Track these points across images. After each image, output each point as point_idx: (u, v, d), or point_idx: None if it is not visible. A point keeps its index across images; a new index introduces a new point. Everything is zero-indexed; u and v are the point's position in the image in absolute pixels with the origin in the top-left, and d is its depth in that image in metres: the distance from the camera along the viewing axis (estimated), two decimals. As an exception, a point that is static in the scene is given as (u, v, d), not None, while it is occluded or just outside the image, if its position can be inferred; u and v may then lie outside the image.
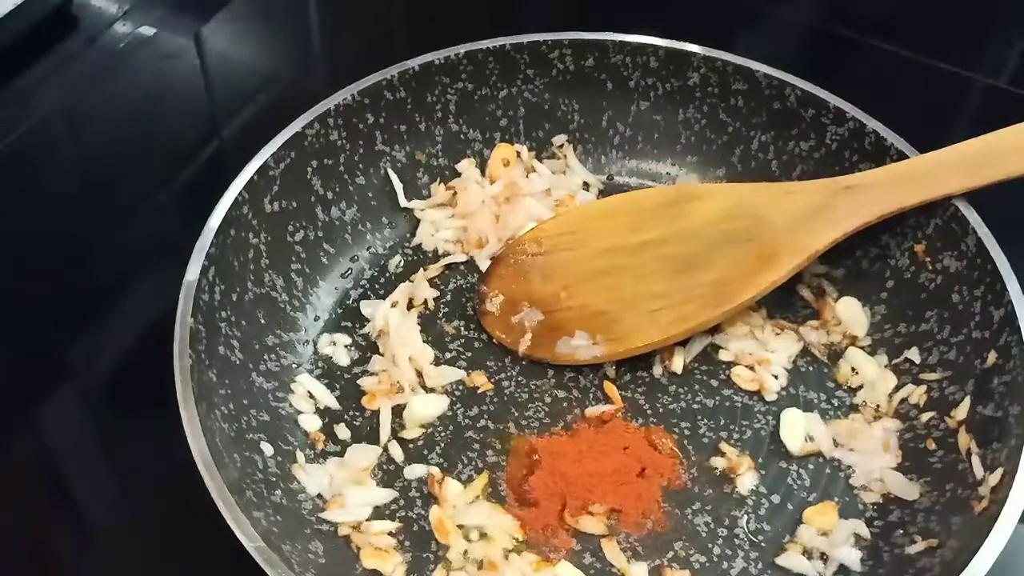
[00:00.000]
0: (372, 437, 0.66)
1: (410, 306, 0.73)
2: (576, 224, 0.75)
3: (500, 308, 0.72)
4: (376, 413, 0.67)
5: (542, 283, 0.72)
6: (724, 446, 0.65)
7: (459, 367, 0.70)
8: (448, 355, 0.71)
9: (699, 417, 0.67)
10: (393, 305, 0.72)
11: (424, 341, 0.71)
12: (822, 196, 0.69)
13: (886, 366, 0.69)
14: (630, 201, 0.76)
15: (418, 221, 0.78)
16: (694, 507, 0.63)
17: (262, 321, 0.67)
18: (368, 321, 0.72)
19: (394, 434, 0.66)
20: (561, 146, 0.82)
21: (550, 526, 0.61)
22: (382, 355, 0.69)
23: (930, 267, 0.69)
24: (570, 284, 0.72)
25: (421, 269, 0.75)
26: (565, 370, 0.70)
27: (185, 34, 0.99)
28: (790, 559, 0.60)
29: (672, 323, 0.68)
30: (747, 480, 0.64)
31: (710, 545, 0.61)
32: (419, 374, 0.69)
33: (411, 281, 0.74)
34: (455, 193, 0.78)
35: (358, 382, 0.68)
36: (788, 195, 0.70)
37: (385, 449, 0.65)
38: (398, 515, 0.62)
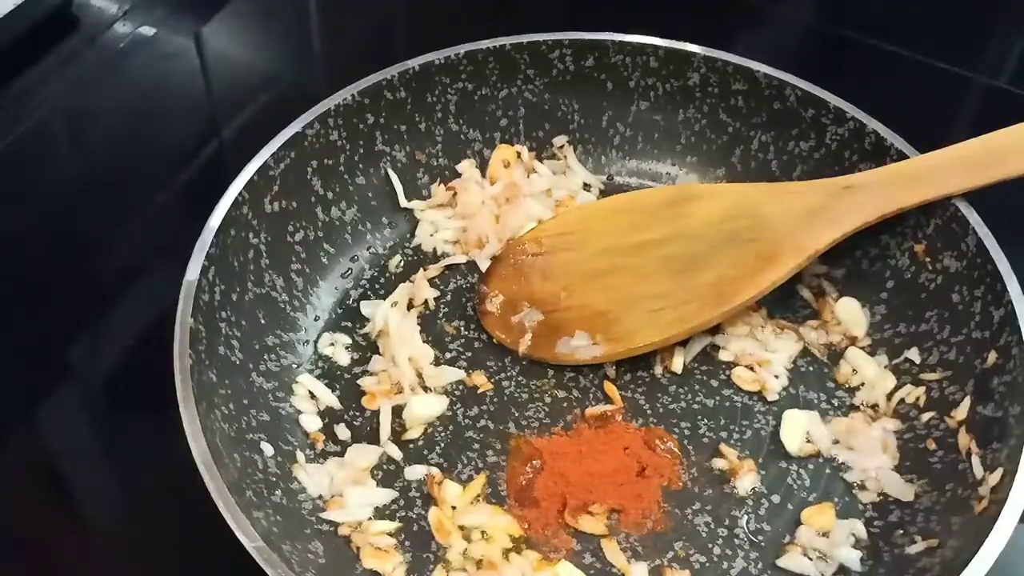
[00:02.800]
0: (372, 437, 0.66)
1: (410, 306, 0.73)
2: (576, 224, 0.75)
3: (500, 308, 0.72)
4: (376, 413, 0.67)
5: (542, 283, 0.72)
6: (724, 446, 0.65)
7: (459, 367, 0.70)
8: (448, 355, 0.71)
9: (699, 417, 0.67)
10: (393, 305, 0.72)
11: (424, 341, 0.71)
12: (822, 196, 0.69)
13: (886, 366, 0.69)
14: (630, 201, 0.76)
15: (418, 221, 0.78)
16: (694, 507, 0.63)
17: (262, 321, 0.67)
18: (368, 321, 0.72)
19: (394, 434, 0.66)
20: (561, 146, 0.82)
21: (550, 526, 0.61)
22: (382, 355, 0.69)
23: (930, 267, 0.69)
24: (570, 284, 0.72)
25: (421, 269, 0.75)
26: (565, 370, 0.70)
27: (185, 34, 0.99)
28: (790, 559, 0.60)
29: (672, 323, 0.68)
30: (747, 480, 0.64)
31: (710, 545, 0.61)
32: (419, 374, 0.69)
33: (411, 281, 0.74)
34: (455, 193, 0.78)
35: (358, 382, 0.68)
36: (788, 195, 0.70)
37: (385, 449, 0.65)
38: (398, 515, 0.62)
